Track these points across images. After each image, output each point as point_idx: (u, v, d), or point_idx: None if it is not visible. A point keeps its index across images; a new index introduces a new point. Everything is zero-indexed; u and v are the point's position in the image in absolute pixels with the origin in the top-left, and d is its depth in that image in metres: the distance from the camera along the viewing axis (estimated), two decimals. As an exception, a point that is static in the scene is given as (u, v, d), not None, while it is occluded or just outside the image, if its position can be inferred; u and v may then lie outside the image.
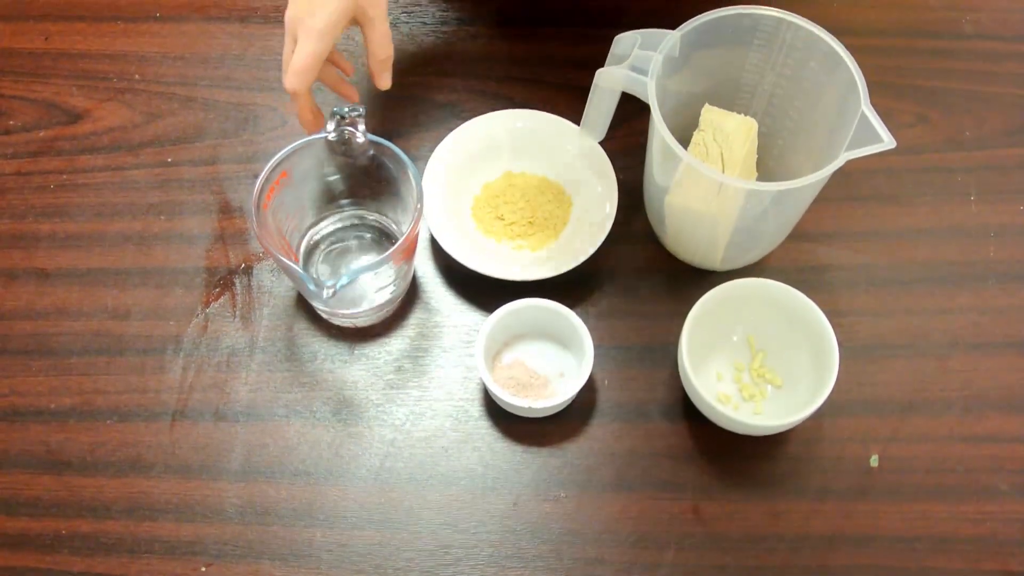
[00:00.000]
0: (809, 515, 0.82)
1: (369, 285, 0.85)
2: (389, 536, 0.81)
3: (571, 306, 0.85)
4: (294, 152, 0.83)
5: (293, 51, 0.85)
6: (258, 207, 0.81)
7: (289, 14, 0.85)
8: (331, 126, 0.82)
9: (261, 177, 0.81)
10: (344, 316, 0.89)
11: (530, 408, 0.83)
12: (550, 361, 0.87)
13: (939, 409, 0.86)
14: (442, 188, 0.91)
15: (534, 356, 0.87)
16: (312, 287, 0.77)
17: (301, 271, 0.78)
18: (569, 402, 0.84)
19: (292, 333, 0.89)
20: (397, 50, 1.02)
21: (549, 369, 0.87)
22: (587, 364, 0.83)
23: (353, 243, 0.92)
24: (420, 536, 0.81)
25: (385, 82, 0.90)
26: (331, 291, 0.77)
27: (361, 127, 0.82)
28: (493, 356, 0.87)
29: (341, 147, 0.84)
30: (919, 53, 1.02)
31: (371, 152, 0.85)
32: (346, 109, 0.82)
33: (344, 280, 0.77)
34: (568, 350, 0.87)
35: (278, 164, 0.82)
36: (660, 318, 0.88)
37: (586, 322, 0.84)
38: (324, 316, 0.89)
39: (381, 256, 0.79)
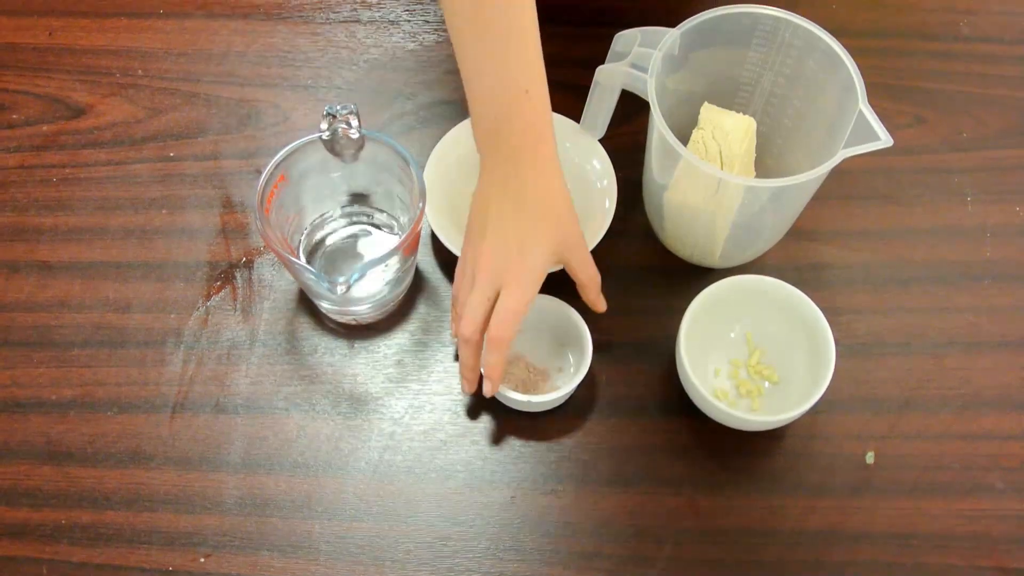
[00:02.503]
0: (806, 511, 0.82)
1: (374, 281, 0.85)
2: (387, 528, 0.82)
3: (570, 302, 0.85)
4: (294, 152, 0.83)
5: (478, 292, 0.79)
6: (262, 209, 0.81)
7: (493, 258, 0.79)
8: (324, 125, 0.83)
9: (262, 179, 0.81)
10: (348, 313, 0.89)
11: (529, 402, 0.83)
12: (549, 356, 0.88)
13: (935, 407, 0.86)
14: (443, 185, 0.92)
15: (533, 351, 0.88)
16: (325, 285, 0.78)
17: (313, 271, 0.79)
18: (568, 396, 0.85)
19: (292, 327, 0.90)
20: (398, 48, 1.03)
21: (548, 363, 0.87)
22: (586, 359, 0.83)
23: (355, 241, 0.92)
24: (418, 528, 0.82)
25: (602, 306, 0.86)
26: (344, 287, 0.77)
27: (355, 123, 0.83)
28: None
29: (341, 145, 0.85)
30: (917, 55, 1.03)
31: (372, 149, 0.85)
32: (338, 107, 0.82)
33: (355, 276, 0.78)
34: (567, 345, 0.87)
35: (279, 164, 0.83)
36: (658, 314, 0.89)
37: (585, 318, 0.85)
38: (327, 314, 0.90)
39: (389, 249, 0.80)
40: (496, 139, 0.79)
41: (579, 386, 0.83)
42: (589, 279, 0.84)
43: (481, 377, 0.81)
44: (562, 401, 0.85)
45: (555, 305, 0.85)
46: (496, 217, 0.79)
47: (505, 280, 0.78)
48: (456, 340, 0.84)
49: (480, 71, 0.79)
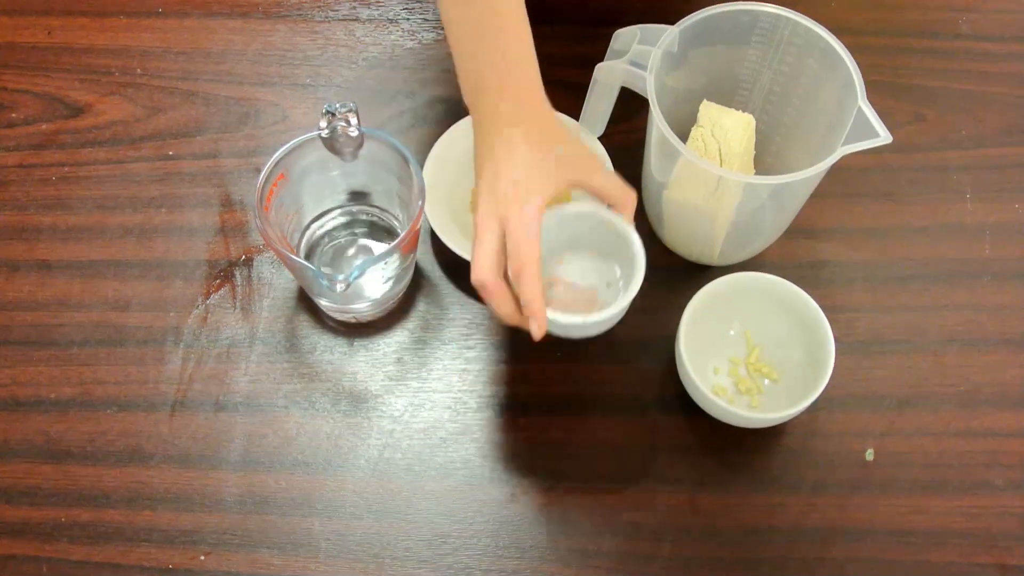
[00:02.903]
0: (805, 508, 0.82)
1: (374, 279, 0.85)
2: (387, 526, 0.82)
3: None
4: (293, 150, 0.83)
5: (480, 235, 0.74)
6: (261, 208, 0.81)
7: (489, 198, 0.75)
8: (323, 123, 0.83)
9: (262, 177, 0.81)
10: (348, 311, 0.89)
11: (584, 324, 0.76)
12: (594, 272, 0.81)
13: (935, 404, 0.86)
14: (442, 183, 0.92)
15: (574, 271, 0.81)
16: (325, 283, 0.78)
17: (314, 269, 0.79)
18: (623, 312, 0.77)
19: (292, 325, 0.90)
20: (397, 46, 1.03)
21: (594, 281, 0.81)
22: (637, 266, 0.76)
23: (354, 239, 0.92)
24: (418, 526, 0.82)
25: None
26: (344, 285, 0.77)
27: (354, 121, 0.83)
28: None
29: (340, 143, 0.85)
30: (916, 53, 1.03)
31: (371, 147, 0.85)
32: (337, 105, 0.82)
33: (355, 274, 0.78)
34: (612, 256, 0.80)
35: (278, 163, 0.83)
36: (658, 312, 0.89)
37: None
38: (327, 312, 0.90)
39: (390, 246, 0.80)
40: (481, 96, 0.78)
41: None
42: (618, 196, 0.78)
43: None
44: (618, 319, 0.78)
45: (589, 212, 0.77)
46: (489, 164, 0.76)
47: (505, 212, 0.74)
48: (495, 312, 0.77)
49: (462, 35, 0.79)
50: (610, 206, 0.79)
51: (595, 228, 0.80)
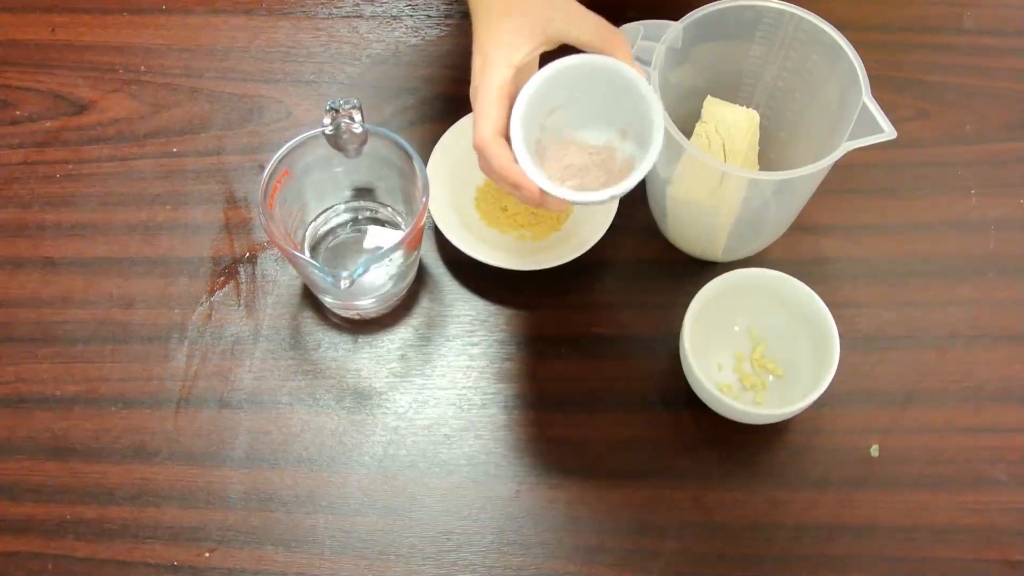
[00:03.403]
0: (809, 504, 0.82)
1: (378, 276, 0.85)
2: (392, 522, 0.82)
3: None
4: (297, 147, 0.83)
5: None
6: (265, 205, 0.82)
7: (472, 71, 0.74)
8: (327, 120, 0.83)
9: (266, 174, 0.81)
10: (352, 308, 0.89)
11: (613, 195, 0.71)
12: (604, 127, 0.75)
13: (939, 400, 0.86)
14: (445, 179, 0.92)
15: (587, 129, 0.76)
16: (330, 280, 0.78)
17: (318, 265, 0.79)
18: (650, 166, 0.71)
19: (296, 321, 0.90)
20: (401, 43, 1.03)
21: (610, 137, 0.75)
22: (654, 111, 0.71)
23: (358, 236, 0.92)
24: (422, 522, 0.82)
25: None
26: (348, 282, 0.77)
27: (358, 118, 0.83)
28: (533, 151, 0.74)
29: (344, 140, 0.85)
30: (919, 48, 1.03)
31: (375, 144, 0.85)
32: (340, 102, 0.82)
33: (359, 270, 0.78)
34: (620, 106, 0.74)
35: (282, 159, 0.83)
36: (662, 309, 0.89)
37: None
38: (331, 308, 0.90)
39: (393, 243, 0.80)
40: None
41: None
42: (605, 39, 0.74)
43: None
44: (648, 170, 0.71)
45: (581, 63, 0.72)
46: (474, 37, 0.75)
47: (473, 91, 0.73)
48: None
49: None
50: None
51: (595, 78, 0.74)
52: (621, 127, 0.76)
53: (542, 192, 0.71)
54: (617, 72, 0.73)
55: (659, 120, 0.71)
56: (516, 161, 0.71)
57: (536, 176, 0.71)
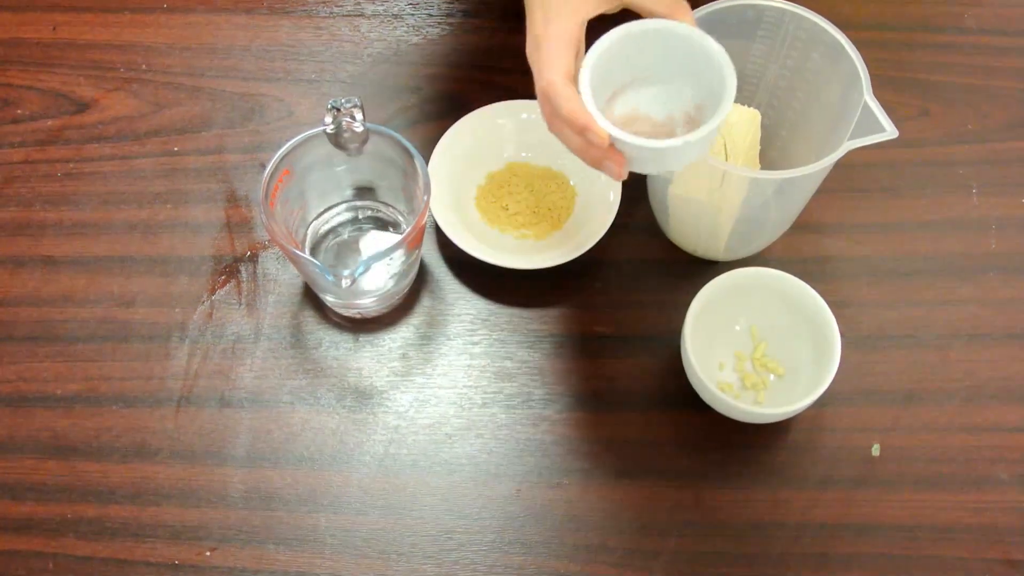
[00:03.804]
0: (810, 503, 0.82)
1: (379, 275, 0.85)
2: (393, 522, 0.82)
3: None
4: (298, 146, 0.83)
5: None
6: (266, 203, 0.81)
7: (531, 35, 0.73)
8: (328, 119, 0.83)
9: (267, 173, 0.81)
10: (353, 307, 0.89)
11: (685, 143, 0.67)
12: (667, 103, 0.73)
13: (940, 399, 0.86)
14: (447, 178, 0.92)
15: (647, 105, 0.74)
16: (331, 279, 0.78)
17: (319, 264, 0.79)
18: (717, 127, 0.69)
19: (297, 320, 0.90)
20: (402, 42, 1.03)
21: (671, 110, 0.73)
22: (726, 73, 0.69)
23: (358, 235, 0.92)
24: (423, 522, 0.82)
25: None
26: (349, 280, 0.77)
27: (359, 117, 0.83)
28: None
29: (345, 139, 0.85)
30: (921, 47, 1.03)
31: (376, 143, 0.85)
32: (342, 101, 0.82)
33: (360, 269, 0.78)
34: (685, 80, 0.73)
35: (283, 158, 0.83)
36: (663, 308, 0.89)
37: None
38: (332, 307, 0.90)
39: (395, 242, 0.80)
40: None
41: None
42: (670, 4, 0.72)
43: None
44: (710, 140, 0.69)
45: (646, 30, 0.70)
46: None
47: (533, 52, 0.71)
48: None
49: None
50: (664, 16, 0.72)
51: (666, 47, 0.71)
52: (686, 110, 0.74)
53: (609, 145, 0.68)
54: (687, 37, 0.70)
55: (731, 79, 0.69)
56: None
57: (605, 123, 0.68)
